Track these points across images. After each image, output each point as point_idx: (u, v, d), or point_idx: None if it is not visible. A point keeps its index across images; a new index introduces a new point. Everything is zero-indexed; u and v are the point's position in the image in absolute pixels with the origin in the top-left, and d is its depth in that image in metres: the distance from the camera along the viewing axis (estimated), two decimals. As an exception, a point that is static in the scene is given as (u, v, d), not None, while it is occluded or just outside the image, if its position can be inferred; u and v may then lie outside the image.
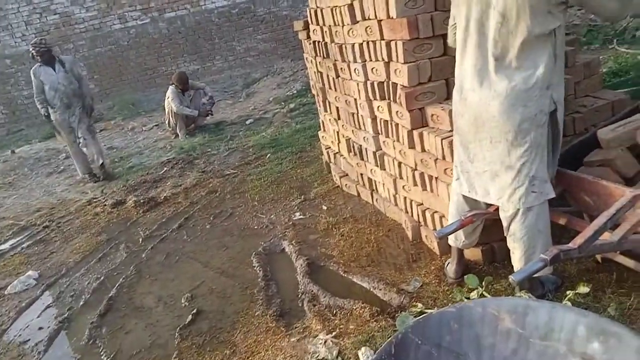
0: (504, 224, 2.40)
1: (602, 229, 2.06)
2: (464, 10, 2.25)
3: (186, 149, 6.91)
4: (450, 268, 2.81)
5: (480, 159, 2.37)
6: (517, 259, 2.39)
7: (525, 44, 2.11)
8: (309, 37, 4.42)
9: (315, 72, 4.52)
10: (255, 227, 4.18)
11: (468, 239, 2.66)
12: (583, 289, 2.15)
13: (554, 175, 2.40)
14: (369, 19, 3.21)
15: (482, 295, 2.42)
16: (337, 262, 3.35)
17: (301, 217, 4.14)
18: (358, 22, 3.36)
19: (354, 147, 4.04)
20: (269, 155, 5.85)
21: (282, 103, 8.36)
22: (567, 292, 2.18)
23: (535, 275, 2.15)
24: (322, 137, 4.91)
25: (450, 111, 2.75)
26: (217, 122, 8.13)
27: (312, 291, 3.08)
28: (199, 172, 5.84)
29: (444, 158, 2.84)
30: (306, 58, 4.72)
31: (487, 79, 2.23)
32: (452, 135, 2.75)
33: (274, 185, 4.92)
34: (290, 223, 4.07)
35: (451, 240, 2.72)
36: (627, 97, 3.21)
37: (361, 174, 4.06)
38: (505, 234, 2.43)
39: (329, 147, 4.74)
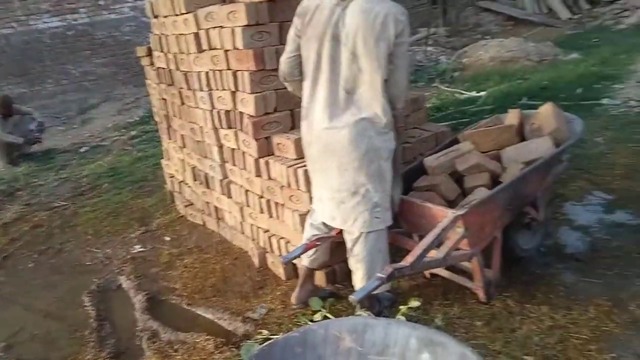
0: (348, 245, 2.53)
1: (429, 248, 2.28)
2: (315, 45, 2.35)
3: (7, 179, 6.12)
4: (298, 293, 2.85)
5: (328, 186, 2.49)
6: (359, 279, 2.52)
7: (375, 85, 2.30)
8: (152, 63, 4.28)
9: (158, 99, 4.37)
10: (89, 263, 3.85)
11: (314, 255, 2.73)
12: (414, 303, 2.35)
13: (396, 205, 2.59)
14: (216, 48, 3.21)
15: (325, 317, 2.50)
16: (180, 295, 3.22)
17: (141, 249, 3.92)
18: (204, 51, 3.34)
19: (199, 175, 3.96)
20: (105, 185, 5.46)
21: (123, 130, 7.92)
22: (401, 307, 2.36)
23: (373, 293, 2.28)
24: (166, 165, 4.74)
25: (296, 140, 2.86)
26: (47, 150, 7.38)
27: (152, 327, 2.90)
28: (22, 205, 5.20)
29: (289, 185, 2.91)
30: (149, 84, 4.55)
31: (337, 111, 2.37)
32: (297, 164, 2.86)
33: (111, 217, 4.60)
34: (129, 257, 3.82)
35: (305, 260, 2.77)
36: (448, 129, 3.61)
37: (207, 203, 3.98)
38: (348, 255, 2.56)
39: (173, 176, 4.59)
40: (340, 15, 2.26)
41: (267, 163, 3.06)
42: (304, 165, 2.74)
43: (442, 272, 2.75)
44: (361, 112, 2.34)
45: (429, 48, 9.40)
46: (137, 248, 3.95)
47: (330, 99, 2.37)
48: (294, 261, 2.81)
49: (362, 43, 2.23)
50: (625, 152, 4.14)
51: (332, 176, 2.45)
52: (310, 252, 2.70)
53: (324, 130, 2.40)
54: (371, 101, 2.33)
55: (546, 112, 3.08)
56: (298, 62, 2.49)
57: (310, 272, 2.83)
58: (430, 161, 2.91)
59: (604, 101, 5.29)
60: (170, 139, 4.41)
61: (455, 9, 12.21)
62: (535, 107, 3.38)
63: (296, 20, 2.43)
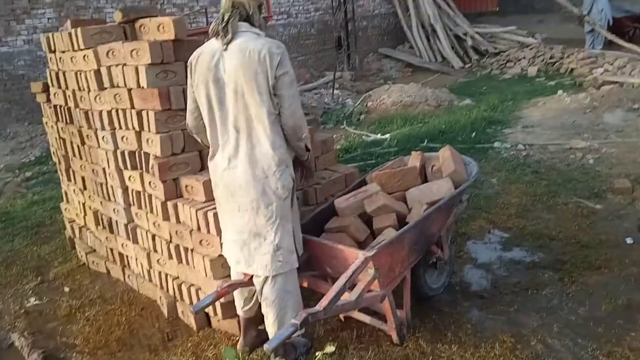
0: (257, 288, 2.49)
1: (342, 290, 2.28)
2: (203, 90, 2.37)
3: None
4: (243, 341, 2.70)
5: (232, 229, 2.47)
6: (270, 323, 2.48)
7: (262, 121, 2.31)
8: (49, 100, 4.04)
9: (57, 138, 4.10)
10: (-25, 320, 3.45)
11: (247, 304, 2.65)
12: (329, 348, 2.31)
13: (300, 245, 2.58)
14: (118, 86, 3.10)
15: (239, 368, 2.41)
16: (82, 351, 2.97)
17: (37, 302, 3.58)
18: (105, 88, 3.21)
19: (102, 219, 3.73)
20: (-6, 231, 4.98)
21: (16, 171, 7.32)
22: (317, 353, 2.31)
23: (287, 340, 2.24)
24: (65, 209, 4.42)
25: (205, 182, 2.79)
26: None
27: (49, 390, 2.64)
28: None
29: (199, 229, 2.82)
30: (46, 122, 4.27)
31: (233, 152, 2.39)
32: (207, 206, 2.78)
33: (2, 267, 4.18)
34: (23, 311, 3.47)
35: (239, 311, 2.68)
36: (357, 170, 3.72)
37: (111, 249, 3.75)
38: (259, 299, 2.50)
39: (74, 221, 4.29)
40: (219, 57, 2.31)
41: (175, 206, 2.96)
42: (214, 208, 2.67)
43: (355, 314, 2.77)
44: (254, 150, 2.36)
45: (336, 91, 9.72)
46: (32, 301, 3.61)
47: (224, 139, 2.41)
48: (206, 310, 2.70)
49: (243, 80, 2.27)
50: (517, 192, 4.48)
51: (234, 218, 2.45)
52: (241, 303, 2.64)
53: (224, 171, 2.42)
54: (261, 137, 2.35)
55: (445, 155, 3.27)
56: (199, 113, 2.49)
57: (250, 319, 2.71)
58: (340, 202, 2.97)
59: (496, 144, 5.73)
60: (70, 180, 4.14)
61: (358, 54, 12.81)
62: (435, 149, 3.59)
63: (187, 72, 2.46)
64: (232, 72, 2.28)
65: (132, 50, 2.90)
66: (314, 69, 12.27)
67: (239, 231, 2.43)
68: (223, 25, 2.28)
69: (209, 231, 2.76)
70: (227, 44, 2.28)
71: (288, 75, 2.28)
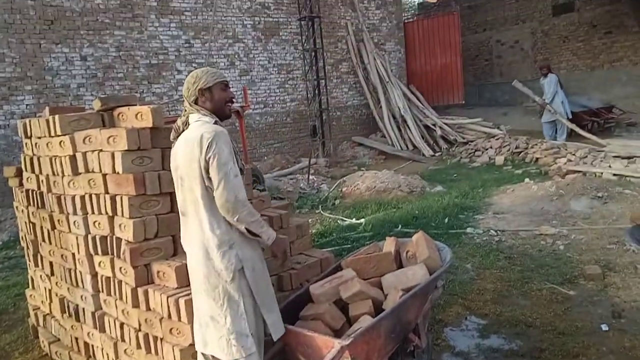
0: None
1: (317, 381, 2.20)
2: (173, 175, 2.54)
3: None
4: None
5: (195, 311, 2.51)
6: None
7: (204, 205, 2.38)
8: (21, 184, 4.00)
9: (26, 222, 4.02)
10: None
11: None
12: None
13: (276, 329, 2.50)
14: (93, 172, 3.10)
15: None
16: None
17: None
18: (80, 174, 3.21)
19: (69, 307, 3.58)
20: (-50, 319, 4.71)
21: (-18, 255, 7.07)
22: None
23: None
24: (31, 295, 4.24)
25: (177, 267, 2.75)
26: None
27: None
28: None
29: (169, 317, 2.72)
30: (16, 207, 4.20)
31: (186, 234, 2.51)
32: (179, 293, 2.71)
33: (-46, 359, 3.93)
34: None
35: None
36: (332, 255, 3.70)
37: (76, 339, 3.56)
38: None
39: (38, 308, 4.10)
40: (176, 147, 2.49)
41: (145, 292, 2.87)
42: (187, 294, 2.61)
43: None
44: (202, 232, 2.42)
45: (311, 177, 9.88)
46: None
47: (182, 221, 2.54)
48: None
49: (186, 167, 2.41)
50: (492, 277, 4.50)
51: (195, 299, 2.51)
52: None
53: (187, 253, 2.53)
54: (203, 220, 2.40)
55: (419, 241, 3.30)
56: None
57: None
58: (315, 289, 2.92)
59: (469, 230, 5.82)
60: (37, 266, 4.00)
61: (333, 142, 13.20)
62: (409, 234, 3.62)
63: None
64: (179, 161, 2.45)
65: (109, 137, 2.94)
66: (290, 155, 12.53)
67: (202, 313, 2.46)
68: (177, 121, 2.51)
69: (179, 319, 2.67)
70: (177, 137, 2.49)
71: (216, 158, 2.32)
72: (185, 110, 2.50)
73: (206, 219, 2.39)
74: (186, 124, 2.48)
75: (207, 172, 2.34)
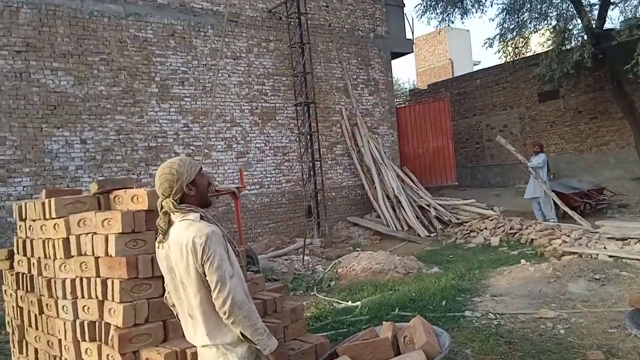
0: None
1: None
2: (167, 277, 2.43)
3: None
4: None
5: None
6: None
7: (202, 304, 2.31)
8: (12, 267, 3.95)
9: (14, 307, 3.93)
10: None
11: None
12: None
13: None
14: (85, 254, 3.09)
15: None
16: None
17: None
18: (72, 257, 3.19)
19: (49, 398, 3.42)
20: None
21: (-37, 341, 6.81)
22: None
23: None
24: (10, 385, 4.06)
25: (167, 354, 2.67)
26: None
27: None
28: None
29: (156, 409, 2.60)
30: (5, 290, 4.12)
31: (193, 336, 2.40)
32: (166, 382, 2.61)
33: None
34: None
35: None
36: (327, 340, 3.60)
37: None
38: None
39: (17, 399, 3.91)
40: (167, 249, 2.36)
41: (132, 382, 2.76)
42: (175, 385, 2.51)
43: None
44: (206, 335, 2.34)
45: (306, 257, 9.80)
46: None
47: (187, 322, 2.42)
48: None
49: (182, 271, 2.31)
50: (492, 363, 4.35)
51: None
52: None
53: (199, 353, 2.45)
54: (207, 322, 2.33)
55: (416, 326, 3.22)
56: None
57: None
58: (310, 377, 2.82)
59: (467, 313, 5.69)
60: (21, 353, 3.87)
61: (328, 222, 13.21)
62: (407, 317, 3.54)
63: None
64: (174, 264, 2.34)
65: (104, 220, 2.96)
66: (285, 235, 12.49)
67: None
68: (158, 220, 2.36)
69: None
70: (163, 240, 2.36)
71: (211, 262, 2.26)
72: (162, 208, 2.34)
73: (214, 319, 2.31)
74: (169, 223, 2.36)
75: (205, 275, 2.28)
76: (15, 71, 9.35)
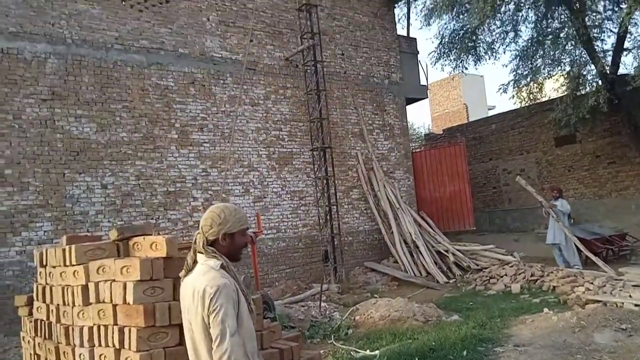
0: None
1: None
2: (183, 312, 2.44)
3: None
4: None
5: None
6: None
7: (208, 352, 2.28)
8: (31, 314, 3.97)
9: (31, 354, 3.92)
10: None
11: None
12: None
13: None
14: (104, 302, 3.09)
15: None
16: None
17: None
18: (91, 304, 3.20)
19: None
20: None
21: (-22, 387, 6.78)
22: None
23: None
24: None
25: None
26: None
27: None
28: None
29: None
30: (23, 337, 4.13)
31: None
32: None
33: None
34: None
35: None
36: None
37: None
38: None
39: None
40: (184, 289, 2.41)
41: None
42: None
43: None
44: None
45: (323, 304, 9.65)
46: None
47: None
48: None
49: (192, 315, 2.33)
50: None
51: None
52: None
53: None
54: None
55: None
56: None
57: None
58: None
59: (489, 364, 5.53)
60: (33, 402, 3.83)
61: (345, 268, 13.07)
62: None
63: None
64: (186, 306, 2.38)
65: (122, 267, 2.98)
66: (302, 280, 12.37)
67: None
68: (188, 254, 2.42)
69: None
70: (186, 276, 2.41)
71: (216, 314, 2.27)
72: (196, 242, 2.43)
73: None
74: (195, 261, 2.42)
75: (209, 325, 2.29)
76: (40, 118, 9.64)
